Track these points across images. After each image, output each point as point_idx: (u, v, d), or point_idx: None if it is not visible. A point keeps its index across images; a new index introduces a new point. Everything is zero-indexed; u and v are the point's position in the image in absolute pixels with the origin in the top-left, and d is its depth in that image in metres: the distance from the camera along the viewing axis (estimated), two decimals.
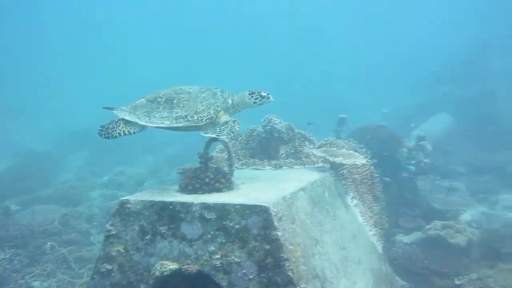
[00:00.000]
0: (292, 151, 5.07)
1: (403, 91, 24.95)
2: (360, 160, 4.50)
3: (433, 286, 6.40)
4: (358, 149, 5.19)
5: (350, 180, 4.84)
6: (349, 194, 4.77)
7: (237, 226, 2.99)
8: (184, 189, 3.42)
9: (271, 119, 5.04)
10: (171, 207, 3.13)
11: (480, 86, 18.32)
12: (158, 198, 3.24)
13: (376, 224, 5.10)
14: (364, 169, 5.05)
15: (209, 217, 3.05)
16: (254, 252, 2.94)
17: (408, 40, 39.81)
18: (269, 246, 2.92)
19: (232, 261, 2.95)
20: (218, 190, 3.42)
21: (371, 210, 5.04)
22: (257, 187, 3.61)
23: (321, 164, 4.86)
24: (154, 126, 3.51)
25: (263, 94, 3.81)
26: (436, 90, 19.39)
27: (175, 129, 3.62)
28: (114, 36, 47.78)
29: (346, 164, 4.58)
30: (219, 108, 3.68)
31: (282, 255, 2.90)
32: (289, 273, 2.88)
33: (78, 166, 18.72)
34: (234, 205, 3.01)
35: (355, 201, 4.83)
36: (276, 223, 2.94)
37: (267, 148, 5.07)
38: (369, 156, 5.18)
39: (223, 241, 3.01)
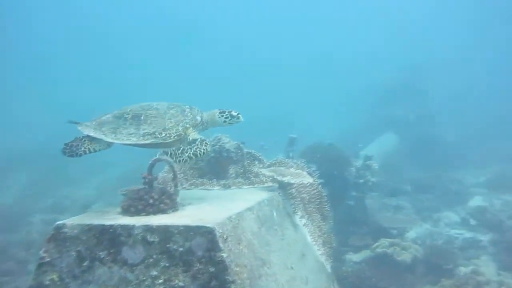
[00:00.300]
0: (241, 170, 5.06)
1: (350, 111, 26.04)
2: (307, 179, 4.56)
3: None
4: (306, 168, 5.27)
5: (299, 199, 4.88)
6: (298, 213, 4.80)
7: (181, 249, 2.89)
8: (126, 211, 3.28)
9: (220, 138, 5.02)
10: (111, 230, 2.98)
11: (419, 108, 19.44)
12: (97, 221, 3.07)
13: (325, 243, 5.16)
14: (312, 188, 5.13)
15: (151, 240, 2.93)
16: (199, 275, 2.85)
17: (349, 66, 41.72)
18: (214, 269, 2.84)
19: (175, 286, 2.84)
20: (163, 211, 3.31)
21: (320, 229, 5.10)
22: (204, 208, 3.54)
23: (270, 184, 4.87)
24: (121, 143, 3.42)
25: (233, 113, 3.83)
26: (380, 112, 20.31)
27: (142, 146, 3.53)
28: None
29: (294, 183, 4.62)
30: (187, 125, 3.62)
31: (228, 277, 2.83)
32: None
33: (19, 188, 17.54)
34: (177, 227, 2.92)
35: (303, 220, 4.86)
36: (221, 244, 2.88)
37: (216, 168, 5.03)
38: (316, 175, 5.27)
39: (167, 264, 2.89)
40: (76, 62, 44.56)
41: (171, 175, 4.56)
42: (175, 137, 3.53)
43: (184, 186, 4.69)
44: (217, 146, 4.95)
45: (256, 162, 5.34)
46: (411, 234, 10.14)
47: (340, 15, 47.88)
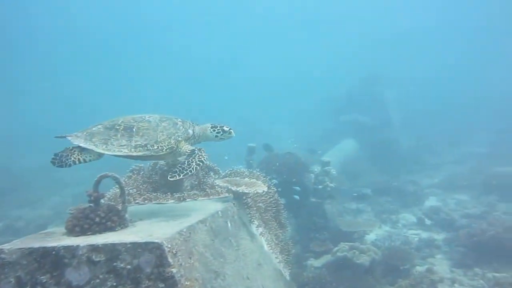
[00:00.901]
0: (196, 182, 5.01)
1: (310, 119, 26.60)
2: (262, 188, 4.58)
3: None
4: (262, 177, 5.29)
5: (255, 208, 4.89)
6: (254, 222, 4.81)
7: (128, 267, 2.81)
8: (71, 231, 3.16)
9: None
10: (53, 252, 2.86)
11: (377, 115, 20.12)
12: (38, 244, 2.93)
13: (283, 251, 5.18)
14: (268, 196, 5.16)
15: (97, 259, 2.83)
16: None
17: (314, 77, 42.93)
18: (163, 285, 2.79)
19: None
20: (111, 229, 3.21)
21: (277, 237, 5.13)
22: (154, 223, 3.47)
23: (226, 195, 4.84)
24: (112, 154, 3.41)
25: (225, 128, 3.88)
26: (338, 118, 20.87)
27: (133, 158, 3.56)
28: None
29: (249, 193, 4.63)
30: (179, 138, 3.65)
31: None
32: None
33: None
34: (125, 244, 2.84)
35: (260, 229, 4.87)
36: (170, 260, 2.83)
37: (169, 181, 4.93)
38: (273, 184, 5.31)
39: (114, 284, 2.81)
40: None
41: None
42: (167, 150, 3.56)
43: (137, 201, 4.58)
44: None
45: (212, 173, 5.31)
46: (371, 236, 10.41)
47: (308, 27, 49.36)
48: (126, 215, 3.37)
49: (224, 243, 3.82)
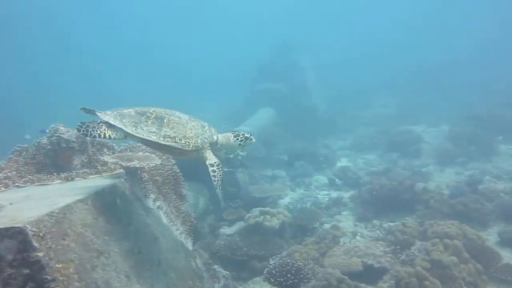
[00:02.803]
0: (86, 160, 4.75)
1: (228, 90, 26.68)
2: (155, 161, 4.46)
3: (253, 270, 6.88)
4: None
5: (151, 182, 4.78)
6: (151, 196, 4.71)
7: None
8: None
9: (58, 128, 4.63)
10: None
11: (292, 82, 20.60)
12: None
13: (184, 222, 5.18)
14: (166, 169, 5.06)
15: None
16: (11, 280, 2.60)
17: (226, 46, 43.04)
18: (29, 270, 2.62)
19: None
20: None
21: (177, 209, 5.09)
22: (25, 207, 3.23)
23: (121, 171, 4.67)
24: (140, 137, 3.47)
25: (247, 135, 3.96)
26: (258, 87, 21.05)
27: (158, 147, 3.63)
28: None
29: (143, 167, 4.49)
30: (206, 141, 3.74)
31: (46, 276, 2.64)
32: None
33: None
34: None
35: (158, 203, 4.79)
36: (35, 244, 2.66)
37: (57, 160, 4.64)
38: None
39: None
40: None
41: None
42: (193, 148, 3.64)
43: (17, 184, 4.23)
44: (54, 138, 4.55)
45: (105, 150, 5.07)
46: (285, 200, 10.86)
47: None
48: None
49: (111, 220, 3.69)
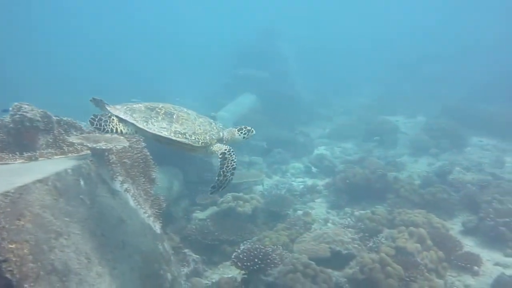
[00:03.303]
0: (52, 140, 4.65)
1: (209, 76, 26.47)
2: (123, 143, 4.41)
3: (225, 254, 6.93)
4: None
5: (119, 165, 4.72)
6: (118, 179, 4.65)
7: None
8: None
9: (21, 107, 4.49)
10: None
11: (274, 69, 20.54)
12: None
13: (153, 205, 5.15)
14: (135, 152, 5.01)
15: None
16: None
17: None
18: None
19: None
20: None
21: (146, 192, 5.06)
22: None
23: (88, 152, 4.59)
24: (152, 132, 3.50)
25: (248, 128, 4.06)
26: (236, 73, 20.91)
27: (167, 142, 3.63)
28: None
29: (109, 149, 4.43)
30: (213, 137, 3.77)
31: None
32: (7, 275, 2.60)
33: None
34: None
35: (125, 186, 4.74)
36: None
37: (21, 139, 4.52)
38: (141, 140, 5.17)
39: None
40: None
41: None
42: (202, 144, 3.67)
43: None
44: (17, 116, 4.43)
45: (73, 131, 4.98)
46: (261, 187, 10.91)
47: None
48: None
49: (72, 201, 3.64)
